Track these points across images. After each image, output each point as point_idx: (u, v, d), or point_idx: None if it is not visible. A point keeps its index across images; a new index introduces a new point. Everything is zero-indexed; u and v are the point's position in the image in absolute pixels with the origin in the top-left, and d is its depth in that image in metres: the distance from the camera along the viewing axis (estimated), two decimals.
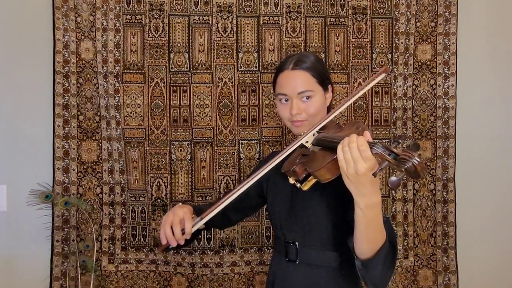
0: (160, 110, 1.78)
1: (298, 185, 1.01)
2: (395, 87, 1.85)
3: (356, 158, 0.80)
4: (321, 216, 1.11)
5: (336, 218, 1.10)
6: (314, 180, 0.98)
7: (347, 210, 1.06)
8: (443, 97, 1.86)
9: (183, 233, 0.98)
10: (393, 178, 0.72)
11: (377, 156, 0.80)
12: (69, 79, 1.75)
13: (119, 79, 1.77)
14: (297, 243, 1.13)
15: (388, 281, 0.96)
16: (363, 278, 0.96)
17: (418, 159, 0.72)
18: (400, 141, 0.82)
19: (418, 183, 1.86)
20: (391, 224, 1.07)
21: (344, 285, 1.11)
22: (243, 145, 1.81)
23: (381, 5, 1.84)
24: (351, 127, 1.01)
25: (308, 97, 1.10)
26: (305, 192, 1.01)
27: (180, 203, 1.13)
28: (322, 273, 1.10)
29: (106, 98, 1.76)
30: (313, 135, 1.05)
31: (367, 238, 0.91)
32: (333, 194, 1.08)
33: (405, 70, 1.85)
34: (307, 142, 1.04)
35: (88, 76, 1.77)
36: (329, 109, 1.20)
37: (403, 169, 0.73)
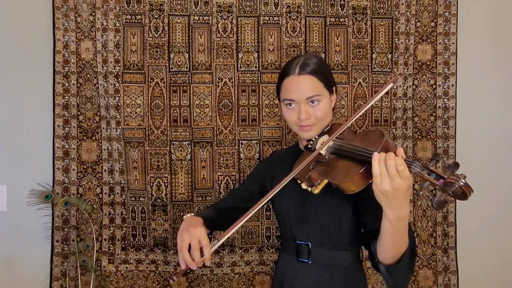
0: (160, 110, 1.78)
1: (309, 189, 1.01)
2: (395, 87, 1.85)
3: (394, 175, 0.79)
4: (334, 217, 1.11)
5: (348, 218, 1.10)
6: (324, 183, 0.98)
7: (362, 213, 1.06)
8: (443, 97, 1.86)
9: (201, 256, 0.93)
10: (437, 199, 0.73)
11: (416, 175, 0.79)
12: (69, 79, 1.75)
13: (119, 79, 1.77)
14: (309, 243, 1.13)
15: (408, 283, 0.99)
16: (386, 282, 0.98)
17: (464, 181, 0.72)
18: (437, 159, 0.81)
19: (418, 183, 1.86)
20: (412, 229, 1.08)
21: (355, 282, 1.13)
22: (243, 145, 1.81)
23: (381, 5, 1.84)
24: (371, 135, 0.99)
25: (315, 101, 1.09)
26: (315, 194, 1.00)
27: (190, 215, 1.11)
28: (334, 272, 1.11)
29: (106, 98, 1.76)
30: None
31: (392, 246, 0.91)
32: (345, 195, 1.08)
33: (405, 70, 1.85)
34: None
35: (88, 76, 1.77)
36: (333, 110, 1.20)
37: (450, 192, 0.73)
